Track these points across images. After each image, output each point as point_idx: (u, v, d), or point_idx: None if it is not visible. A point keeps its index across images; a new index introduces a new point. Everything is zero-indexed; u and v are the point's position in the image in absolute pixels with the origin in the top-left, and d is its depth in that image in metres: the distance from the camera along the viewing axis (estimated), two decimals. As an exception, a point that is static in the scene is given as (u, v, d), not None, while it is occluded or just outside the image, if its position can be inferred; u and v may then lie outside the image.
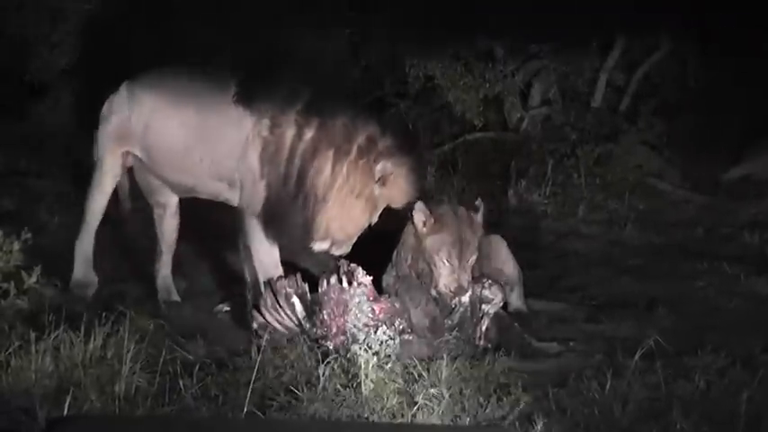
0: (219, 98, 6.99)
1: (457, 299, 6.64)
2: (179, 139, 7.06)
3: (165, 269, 7.51)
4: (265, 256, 6.97)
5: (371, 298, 6.41)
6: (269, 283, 6.72)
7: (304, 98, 6.87)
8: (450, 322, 6.61)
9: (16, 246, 6.27)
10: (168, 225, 7.48)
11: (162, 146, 7.15)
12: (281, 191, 6.83)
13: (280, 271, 6.91)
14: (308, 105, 6.83)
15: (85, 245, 7.38)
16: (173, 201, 7.45)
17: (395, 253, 6.98)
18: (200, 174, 7.06)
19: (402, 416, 5.37)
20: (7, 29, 11.01)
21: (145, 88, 7.26)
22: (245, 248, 7.12)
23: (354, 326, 6.18)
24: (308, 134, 6.79)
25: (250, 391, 5.41)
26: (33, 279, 6.20)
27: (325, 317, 6.37)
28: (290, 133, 6.81)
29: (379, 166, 6.74)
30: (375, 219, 6.95)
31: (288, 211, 6.84)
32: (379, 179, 6.75)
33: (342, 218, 6.85)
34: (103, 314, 6.28)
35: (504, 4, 10.23)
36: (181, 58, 8.93)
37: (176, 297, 7.47)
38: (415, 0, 10.66)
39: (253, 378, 5.53)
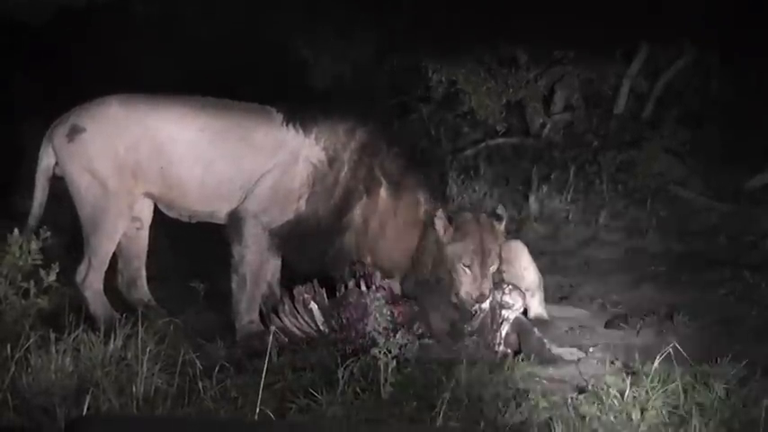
0: (259, 122, 6.92)
1: (477, 305, 6.64)
2: (217, 171, 6.85)
3: (143, 279, 7.27)
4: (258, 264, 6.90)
5: (390, 302, 6.42)
6: (287, 288, 6.74)
7: (354, 125, 6.93)
8: (469, 327, 6.61)
9: (34, 245, 6.27)
10: (144, 237, 7.23)
11: (193, 179, 6.88)
12: (320, 214, 6.83)
13: (267, 279, 6.97)
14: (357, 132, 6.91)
15: (95, 285, 6.94)
16: (150, 214, 7.21)
17: (414, 257, 6.97)
18: (231, 199, 6.87)
19: (420, 420, 5.37)
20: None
21: (157, 118, 6.89)
22: (236, 255, 6.90)
23: (374, 329, 6.18)
24: (359, 163, 6.85)
25: (268, 393, 5.44)
26: (52, 277, 6.19)
27: (345, 321, 6.38)
28: (343, 158, 6.83)
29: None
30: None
31: (320, 235, 6.86)
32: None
33: (388, 246, 6.93)
34: (123, 315, 6.32)
35: (527, 10, 10.23)
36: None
37: (154, 302, 7.21)
38: (439, 5, 10.67)
39: (269, 380, 5.56)
